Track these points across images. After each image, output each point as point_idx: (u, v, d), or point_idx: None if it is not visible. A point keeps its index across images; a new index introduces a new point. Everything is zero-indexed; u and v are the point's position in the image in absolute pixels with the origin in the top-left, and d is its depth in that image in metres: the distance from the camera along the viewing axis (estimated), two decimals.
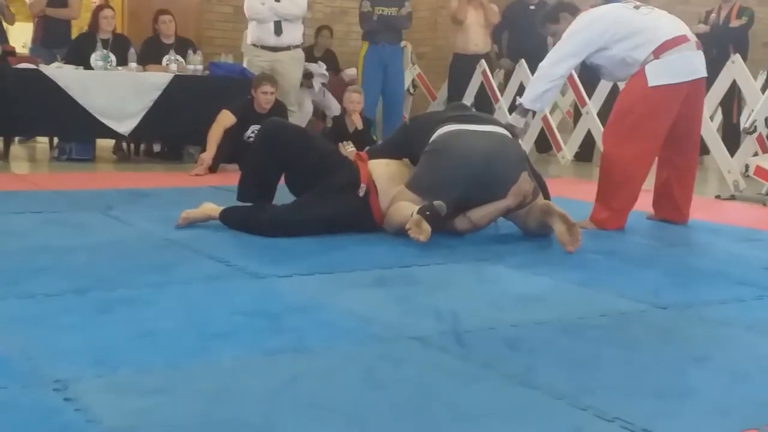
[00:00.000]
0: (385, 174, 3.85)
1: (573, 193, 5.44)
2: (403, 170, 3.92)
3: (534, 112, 4.55)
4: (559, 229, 3.55)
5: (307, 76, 7.80)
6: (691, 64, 4.23)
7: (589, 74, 7.76)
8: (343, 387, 1.94)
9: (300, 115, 7.81)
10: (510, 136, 3.93)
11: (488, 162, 3.67)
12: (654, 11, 4.31)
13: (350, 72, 8.19)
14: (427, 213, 3.46)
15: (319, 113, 8.18)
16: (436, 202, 3.51)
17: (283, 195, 3.99)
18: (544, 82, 4.29)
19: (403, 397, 1.90)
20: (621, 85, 6.77)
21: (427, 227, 3.43)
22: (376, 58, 7.87)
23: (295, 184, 3.96)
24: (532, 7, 8.38)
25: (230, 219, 3.80)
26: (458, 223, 3.74)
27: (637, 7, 4.30)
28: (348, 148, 4.28)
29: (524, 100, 4.32)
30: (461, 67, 8.20)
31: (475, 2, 8.18)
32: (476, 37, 8.16)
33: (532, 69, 7.88)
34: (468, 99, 8.06)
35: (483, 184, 3.68)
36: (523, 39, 8.22)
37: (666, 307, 2.76)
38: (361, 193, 3.77)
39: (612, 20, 4.24)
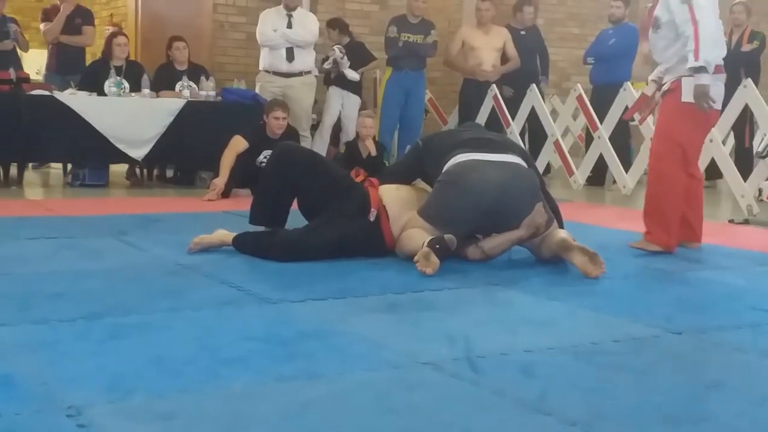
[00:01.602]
0: (395, 199, 3.86)
1: (585, 218, 5.43)
2: (413, 195, 3.94)
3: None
4: (580, 261, 3.56)
5: (326, 60, 7.85)
6: (720, 95, 4.28)
7: (600, 98, 7.83)
8: (355, 413, 1.94)
9: (319, 141, 7.85)
10: (525, 165, 3.88)
11: (501, 195, 3.66)
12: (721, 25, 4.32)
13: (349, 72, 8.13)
14: (437, 246, 3.48)
15: (332, 137, 8.19)
16: (446, 236, 3.53)
17: (295, 221, 4.00)
18: (718, 40, 4.20)
19: (415, 423, 1.89)
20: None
21: (435, 260, 3.45)
22: (399, 83, 7.91)
23: (307, 208, 3.98)
24: (523, 33, 8.43)
25: (243, 244, 3.81)
26: (470, 252, 3.74)
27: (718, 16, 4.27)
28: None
29: (706, 62, 4.07)
30: (472, 91, 8.23)
31: (486, 28, 8.22)
32: (487, 62, 8.19)
33: (521, 93, 8.03)
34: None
35: (496, 216, 3.69)
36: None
37: (680, 333, 2.75)
38: (372, 217, 3.78)
39: (714, 5, 4.19)
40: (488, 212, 3.66)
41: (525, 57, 8.27)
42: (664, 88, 4.33)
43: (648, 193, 4.37)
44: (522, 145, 4.27)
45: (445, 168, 3.81)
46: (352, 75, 7.92)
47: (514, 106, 8.06)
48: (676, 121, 4.24)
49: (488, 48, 8.17)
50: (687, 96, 4.16)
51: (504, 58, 8.26)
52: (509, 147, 4.04)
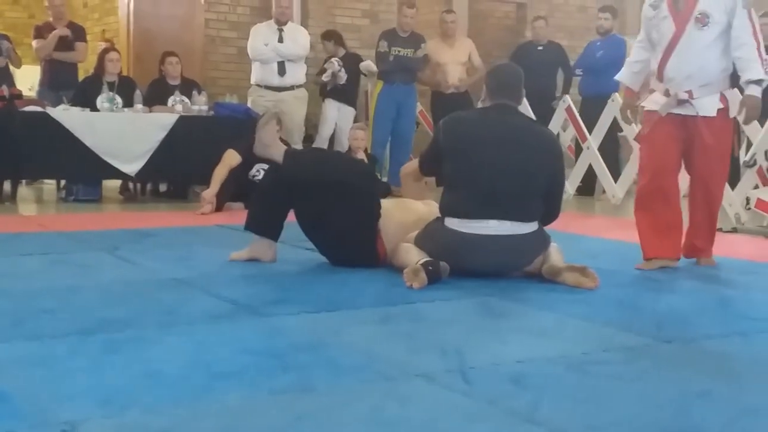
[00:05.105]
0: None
1: (575, 228, 5.46)
2: (397, 205, 4.10)
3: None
4: (573, 278, 3.60)
5: (324, 72, 7.86)
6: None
7: (589, 110, 7.88)
8: (348, 426, 1.95)
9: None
10: (530, 229, 3.72)
11: (496, 270, 3.73)
12: None
13: (366, 64, 8.20)
14: (429, 268, 3.52)
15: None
16: (442, 263, 3.56)
17: (292, 234, 4.02)
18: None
19: None
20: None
21: (423, 277, 3.48)
22: (390, 97, 7.92)
23: (303, 220, 4.03)
24: (540, 48, 8.49)
25: (251, 212, 3.99)
26: None
27: None
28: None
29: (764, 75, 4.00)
30: (442, 104, 8.19)
31: (451, 41, 8.29)
32: (453, 76, 8.21)
33: (537, 109, 7.98)
34: None
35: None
36: (530, 79, 8.21)
37: (669, 342, 2.77)
38: None
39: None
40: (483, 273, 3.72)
41: (540, 73, 8.09)
42: (708, 108, 4.05)
43: (705, 216, 4.27)
44: (555, 167, 3.92)
45: (438, 230, 3.74)
46: (367, 66, 7.90)
47: None
48: (729, 139, 4.23)
49: (453, 62, 8.22)
50: (734, 111, 4.09)
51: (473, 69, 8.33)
52: (531, 178, 3.75)
